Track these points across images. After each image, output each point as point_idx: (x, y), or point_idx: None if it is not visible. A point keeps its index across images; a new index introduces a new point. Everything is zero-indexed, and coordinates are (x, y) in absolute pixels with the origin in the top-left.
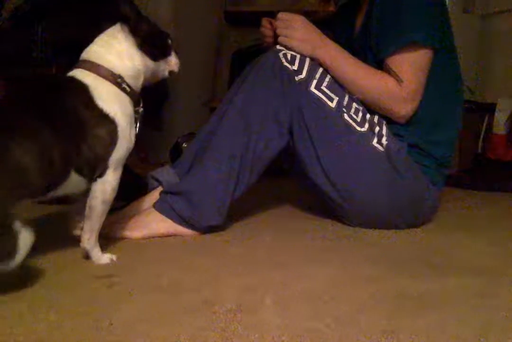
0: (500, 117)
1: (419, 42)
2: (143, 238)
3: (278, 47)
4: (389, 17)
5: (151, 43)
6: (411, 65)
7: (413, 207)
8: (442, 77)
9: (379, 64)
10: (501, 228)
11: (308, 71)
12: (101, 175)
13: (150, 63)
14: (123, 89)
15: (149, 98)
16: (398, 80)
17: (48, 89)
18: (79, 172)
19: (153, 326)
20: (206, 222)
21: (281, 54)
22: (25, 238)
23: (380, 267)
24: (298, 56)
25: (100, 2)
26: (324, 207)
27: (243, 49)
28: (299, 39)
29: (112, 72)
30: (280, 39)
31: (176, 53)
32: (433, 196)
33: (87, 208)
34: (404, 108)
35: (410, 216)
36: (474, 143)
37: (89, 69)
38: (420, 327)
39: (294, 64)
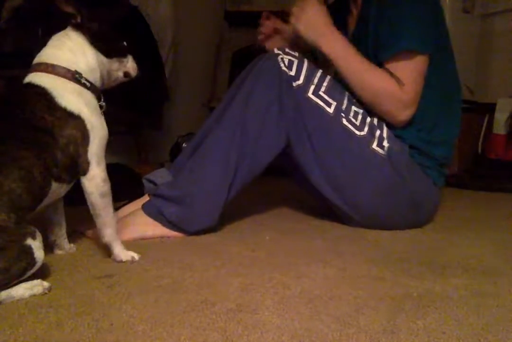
0: (500, 117)
1: (415, 50)
2: (129, 240)
3: (276, 50)
4: (386, 24)
5: (102, 41)
6: (410, 71)
7: (416, 208)
8: (439, 79)
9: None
10: (501, 228)
11: (305, 77)
12: (84, 172)
13: (104, 59)
14: (83, 85)
15: (149, 99)
16: (400, 83)
17: (6, 106)
18: (58, 179)
19: (153, 326)
20: (196, 227)
21: (279, 58)
22: (39, 249)
23: (380, 267)
24: (295, 61)
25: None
26: (324, 207)
27: (243, 49)
28: (305, 22)
29: (68, 69)
30: (291, 17)
31: (134, 58)
32: (435, 196)
33: (90, 206)
34: (403, 114)
35: (413, 218)
36: (474, 143)
37: (44, 71)
38: (420, 327)
39: (291, 70)
